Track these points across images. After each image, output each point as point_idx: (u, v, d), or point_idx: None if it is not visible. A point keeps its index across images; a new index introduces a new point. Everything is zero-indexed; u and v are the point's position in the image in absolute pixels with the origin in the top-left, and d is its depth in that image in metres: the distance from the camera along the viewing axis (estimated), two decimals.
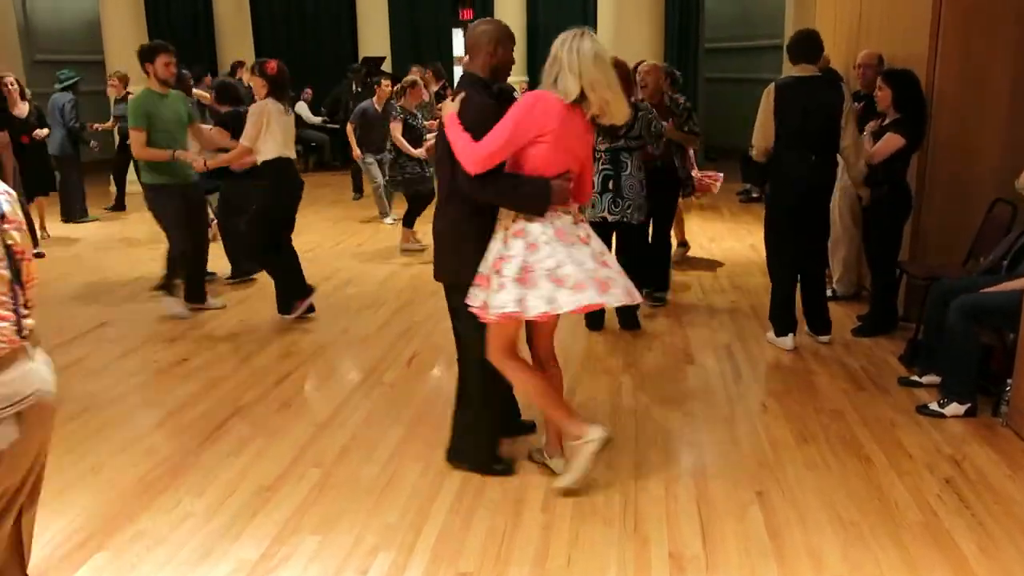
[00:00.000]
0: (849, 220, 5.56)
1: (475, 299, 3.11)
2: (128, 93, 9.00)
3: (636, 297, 3.18)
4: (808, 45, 4.57)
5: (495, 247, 3.09)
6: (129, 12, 11.12)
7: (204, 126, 5.99)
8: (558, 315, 3.04)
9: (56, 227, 8.69)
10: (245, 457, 3.56)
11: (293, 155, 5.39)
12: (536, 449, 3.46)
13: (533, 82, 13.51)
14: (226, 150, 5.56)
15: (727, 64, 13.72)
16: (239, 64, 11.22)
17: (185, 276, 5.58)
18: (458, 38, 14.41)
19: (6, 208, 1.91)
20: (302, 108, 12.48)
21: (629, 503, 3.13)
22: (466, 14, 11.91)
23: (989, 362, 4.01)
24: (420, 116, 7.66)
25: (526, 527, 2.97)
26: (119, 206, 9.87)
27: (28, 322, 1.93)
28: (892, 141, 4.64)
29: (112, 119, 9.66)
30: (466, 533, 2.94)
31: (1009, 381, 3.75)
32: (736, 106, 11.56)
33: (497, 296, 2.99)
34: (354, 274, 6.77)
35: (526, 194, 3.03)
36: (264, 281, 6.08)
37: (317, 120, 12.79)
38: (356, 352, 4.93)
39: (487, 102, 3.11)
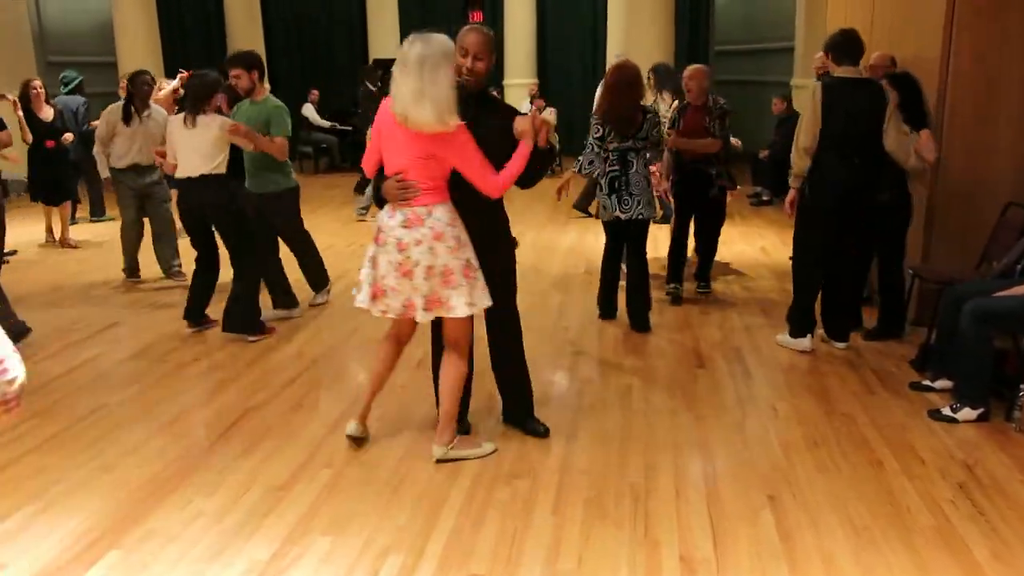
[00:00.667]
0: None
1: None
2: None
3: (412, 314, 3.31)
4: (851, 46, 4.54)
5: None
6: (142, 15, 11.20)
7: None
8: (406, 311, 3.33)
9: (74, 227, 8.70)
10: (256, 457, 3.57)
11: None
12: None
13: (542, 84, 13.53)
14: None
15: (737, 67, 13.70)
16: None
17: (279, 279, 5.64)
18: None
19: None
20: (308, 110, 12.51)
21: (640, 506, 3.12)
22: (476, 16, 11.93)
23: (1002, 366, 3.99)
24: None
25: (536, 529, 2.97)
26: None
27: None
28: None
29: None
30: (476, 535, 2.94)
31: (1022, 386, 3.73)
32: (746, 109, 11.55)
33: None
34: None
35: (375, 189, 3.51)
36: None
37: (325, 123, 12.81)
38: (366, 353, 4.92)
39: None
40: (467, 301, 3.26)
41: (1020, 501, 3.13)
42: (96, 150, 6.59)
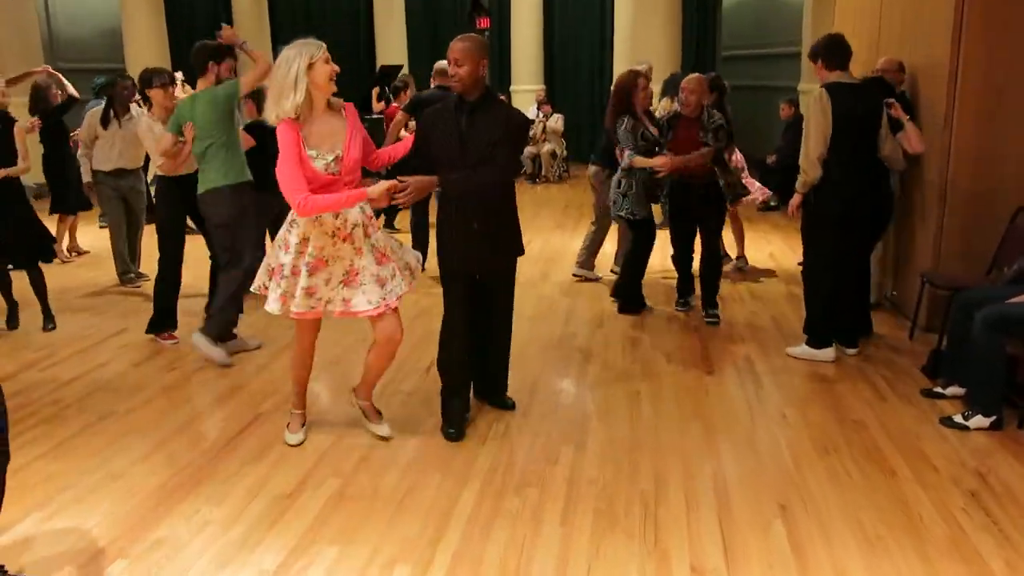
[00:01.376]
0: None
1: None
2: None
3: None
4: (840, 50, 4.53)
5: None
6: (150, 21, 11.25)
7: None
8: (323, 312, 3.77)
9: (82, 233, 8.69)
10: (264, 466, 3.56)
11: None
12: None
13: (550, 90, 13.53)
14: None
15: (744, 72, 13.65)
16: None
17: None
18: None
19: None
20: None
21: (649, 516, 3.10)
22: (483, 22, 11.92)
23: (1015, 374, 3.96)
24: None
25: (545, 539, 2.95)
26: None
27: None
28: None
29: None
30: (484, 545, 2.92)
31: None
32: (753, 114, 11.52)
33: None
34: None
35: None
36: None
37: None
38: None
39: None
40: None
41: None
42: (80, 152, 6.66)
